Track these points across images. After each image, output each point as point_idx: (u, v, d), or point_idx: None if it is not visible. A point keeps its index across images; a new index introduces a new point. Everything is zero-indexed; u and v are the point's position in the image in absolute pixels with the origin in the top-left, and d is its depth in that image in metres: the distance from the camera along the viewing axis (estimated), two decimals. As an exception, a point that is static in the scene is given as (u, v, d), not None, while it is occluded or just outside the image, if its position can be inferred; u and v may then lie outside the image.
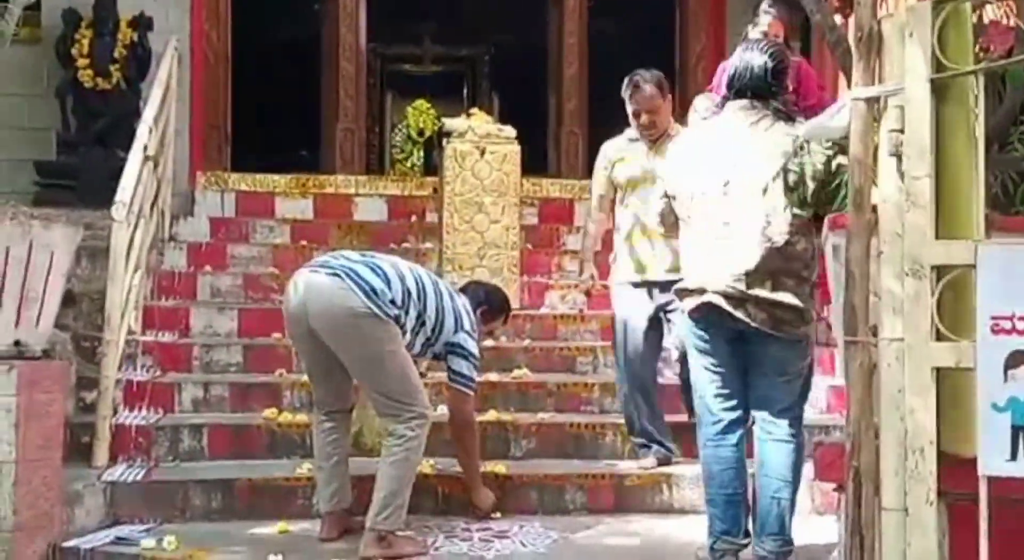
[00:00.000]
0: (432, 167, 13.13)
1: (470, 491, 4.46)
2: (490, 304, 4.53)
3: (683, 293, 3.78)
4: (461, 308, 4.27)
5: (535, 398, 5.34)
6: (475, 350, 4.28)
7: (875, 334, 2.33)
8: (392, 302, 3.95)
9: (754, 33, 5.45)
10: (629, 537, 4.25)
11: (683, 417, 4.83)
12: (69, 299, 4.96)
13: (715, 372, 3.74)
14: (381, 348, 3.94)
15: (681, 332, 4.19)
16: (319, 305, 3.92)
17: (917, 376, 2.24)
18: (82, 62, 7.15)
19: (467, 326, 4.25)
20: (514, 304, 6.29)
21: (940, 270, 2.25)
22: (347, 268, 3.97)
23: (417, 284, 4.09)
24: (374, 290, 3.91)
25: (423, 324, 4.09)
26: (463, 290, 4.50)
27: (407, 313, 4.01)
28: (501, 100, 13.12)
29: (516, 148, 6.53)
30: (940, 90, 2.32)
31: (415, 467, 4.02)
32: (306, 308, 3.95)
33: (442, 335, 4.17)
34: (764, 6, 5.59)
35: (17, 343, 3.98)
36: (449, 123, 6.77)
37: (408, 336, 4.05)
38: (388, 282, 3.98)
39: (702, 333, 3.72)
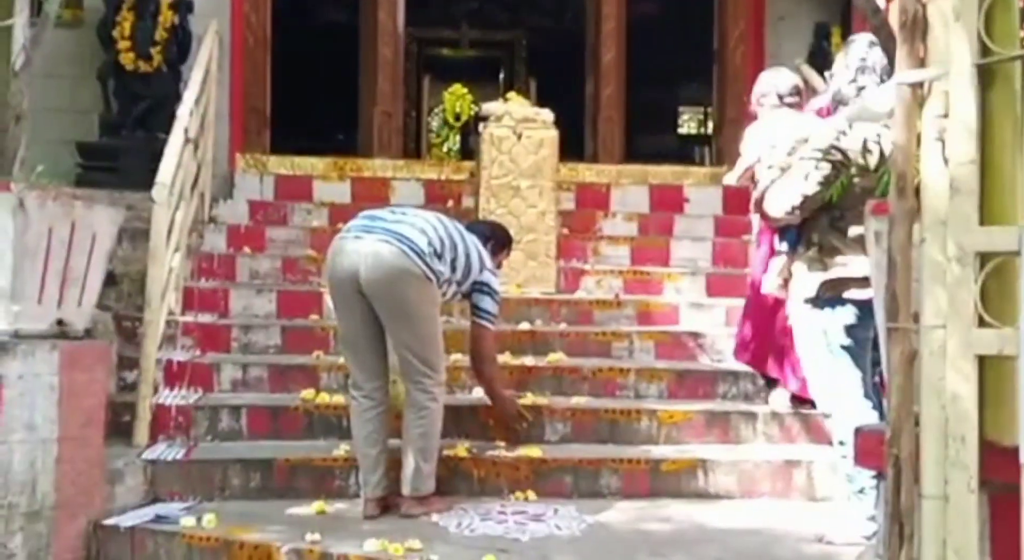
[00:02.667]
0: (468, 151, 13.15)
1: (495, 408, 4.78)
2: (496, 238, 4.79)
3: (851, 282, 3.82)
4: (477, 246, 4.51)
5: (570, 383, 5.34)
6: (498, 287, 4.58)
7: (917, 321, 2.31)
8: (435, 254, 4.19)
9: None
10: (664, 522, 4.26)
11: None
12: (110, 280, 5.02)
13: (874, 363, 3.82)
14: (423, 309, 4.19)
15: (839, 325, 3.99)
16: (374, 270, 4.10)
17: (959, 363, 2.22)
18: (124, 45, 7.20)
19: (488, 265, 4.53)
20: (550, 289, 6.34)
21: (984, 256, 2.22)
22: (391, 230, 4.17)
23: (446, 231, 4.32)
24: (422, 250, 4.14)
25: (454, 270, 4.32)
26: (469, 229, 4.65)
27: (443, 260, 4.24)
28: (538, 85, 13.09)
29: (553, 133, 6.52)
30: (986, 75, 2.29)
31: (438, 433, 4.28)
32: (358, 272, 4.12)
33: (470, 275, 4.42)
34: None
35: (60, 322, 4.03)
36: (486, 107, 6.76)
37: (447, 277, 4.29)
38: (427, 236, 4.20)
39: (868, 322, 3.72)
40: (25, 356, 3.83)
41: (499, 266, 4.86)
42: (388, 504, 4.24)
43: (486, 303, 4.51)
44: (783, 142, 4.24)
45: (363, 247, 4.14)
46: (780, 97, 5.10)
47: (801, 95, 5.06)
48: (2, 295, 3.85)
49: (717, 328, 5.99)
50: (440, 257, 4.22)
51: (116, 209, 4.32)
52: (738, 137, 5.42)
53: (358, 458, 4.31)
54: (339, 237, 4.29)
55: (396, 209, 4.48)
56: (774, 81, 5.17)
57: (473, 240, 4.49)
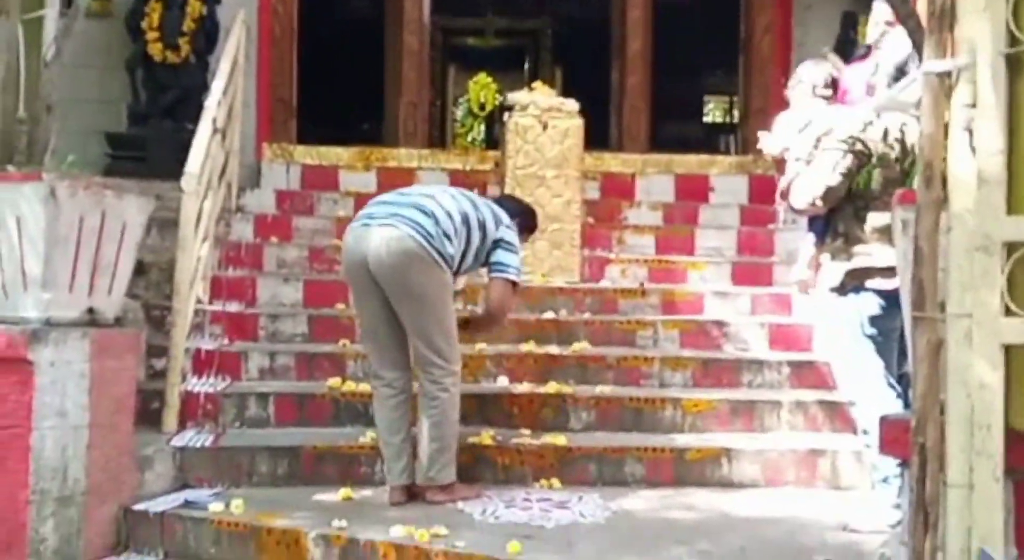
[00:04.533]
0: (493, 141, 13.15)
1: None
2: (523, 217, 4.67)
3: (875, 272, 3.82)
4: (496, 210, 4.43)
5: (595, 371, 5.35)
6: (516, 241, 4.43)
7: (943, 310, 2.32)
8: (444, 235, 4.15)
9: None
10: (688, 511, 4.27)
11: None
12: (139, 269, 5.05)
13: (901, 351, 3.79)
14: (432, 292, 4.15)
15: (863, 314, 4.00)
16: (380, 255, 4.10)
17: (985, 352, 2.23)
18: (152, 35, 7.26)
19: (506, 221, 4.42)
20: (574, 278, 6.35)
21: (1011, 246, 2.23)
22: (398, 214, 4.16)
23: (457, 206, 4.26)
24: (429, 233, 4.11)
25: (470, 241, 4.26)
26: (499, 202, 4.63)
27: (458, 235, 4.20)
28: (563, 73, 13.06)
29: (578, 122, 6.53)
30: (1014, 65, 2.28)
31: (453, 424, 4.25)
32: (367, 258, 4.13)
33: (487, 238, 4.32)
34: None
35: (90, 310, 4.07)
36: (511, 97, 6.76)
37: (460, 253, 4.23)
38: (436, 218, 4.17)
39: (892, 312, 3.69)
40: (56, 343, 3.88)
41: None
42: (414, 491, 4.26)
43: (502, 256, 4.33)
44: (809, 133, 4.24)
45: (370, 234, 4.15)
46: (814, 88, 5.07)
47: (835, 88, 5.04)
48: (34, 283, 3.90)
49: (742, 317, 5.99)
50: (450, 238, 4.15)
51: (146, 198, 4.34)
52: (764, 126, 5.37)
53: (381, 446, 4.34)
54: (350, 226, 4.32)
55: (407, 190, 4.43)
56: (810, 72, 5.14)
57: (494, 208, 4.43)
